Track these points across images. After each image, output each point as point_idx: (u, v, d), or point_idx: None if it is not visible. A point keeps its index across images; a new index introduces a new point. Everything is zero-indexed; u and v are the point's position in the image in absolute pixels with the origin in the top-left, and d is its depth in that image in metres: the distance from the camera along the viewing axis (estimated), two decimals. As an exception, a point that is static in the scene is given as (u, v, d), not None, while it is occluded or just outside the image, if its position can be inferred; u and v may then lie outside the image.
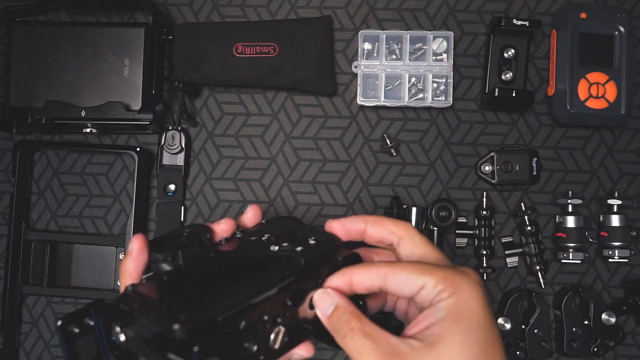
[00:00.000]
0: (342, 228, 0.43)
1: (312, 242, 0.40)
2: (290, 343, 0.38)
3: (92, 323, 0.36)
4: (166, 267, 0.40)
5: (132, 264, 0.40)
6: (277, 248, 0.40)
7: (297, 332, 0.38)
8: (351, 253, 0.41)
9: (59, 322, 0.35)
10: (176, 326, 0.32)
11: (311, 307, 0.39)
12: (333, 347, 0.41)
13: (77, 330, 0.36)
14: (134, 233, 0.69)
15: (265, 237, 0.42)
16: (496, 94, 0.67)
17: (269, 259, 0.40)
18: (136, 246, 0.40)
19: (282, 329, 0.37)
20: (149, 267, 0.41)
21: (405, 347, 0.35)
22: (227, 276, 0.39)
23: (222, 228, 0.44)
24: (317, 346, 0.41)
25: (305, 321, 0.39)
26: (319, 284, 0.39)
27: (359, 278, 0.39)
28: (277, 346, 0.36)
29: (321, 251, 0.40)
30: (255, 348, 0.35)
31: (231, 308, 0.34)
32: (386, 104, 0.70)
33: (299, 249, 0.39)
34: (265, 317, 0.36)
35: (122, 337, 0.36)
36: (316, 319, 0.39)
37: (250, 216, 0.46)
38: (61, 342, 0.36)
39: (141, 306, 0.35)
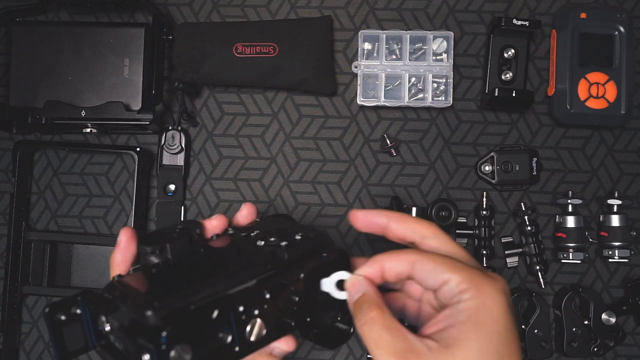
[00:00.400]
0: (365, 219, 0.43)
1: (298, 237, 0.40)
2: (268, 336, 0.37)
3: (79, 312, 0.37)
4: (154, 260, 0.41)
5: (119, 255, 0.41)
6: (263, 243, 0.41)
7: (277, 326, 0.38)
8: (339, 250, 0.41)
9: (46, 310, 0.36)
10: (148, 312, 0.32)
11: (341, 288, 0.39)
12: (321, 346, 0.41)
13: (63, 318, 0.37)
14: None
15: (254, 233, 0.43)
16: (496, 94, 0.67)
17: (253, 253, 0.40)
18: (124, 238, 0.41)
19: (259, 322, 0.37)
20: (138, 260, 0.42)
21: (422, 346, 0.35)
22: (210, 269, 0.39)
23: (214, 224, 0.45)
24: (317, 347, 0.41)
25: (287, 316, 0.39)
26: (301, 279, 0.39)
27: (390, 264, 0.39)
28: (253, 338, 0.36)
29: (307, 247, 0.40)
30: (229, 339, 0.35)
31: (206, 297, 0.34)
32: (386, 104, 0.70)
33: (283, 243, 0.39)
34: (241, 309, 0.36)
35: (107, 327, 0.37)
36: (299, 314, 0.39)
37: (245, 214, 0.47)
38: (48, 329, 0.36)
39: (122, 295, 0.36)
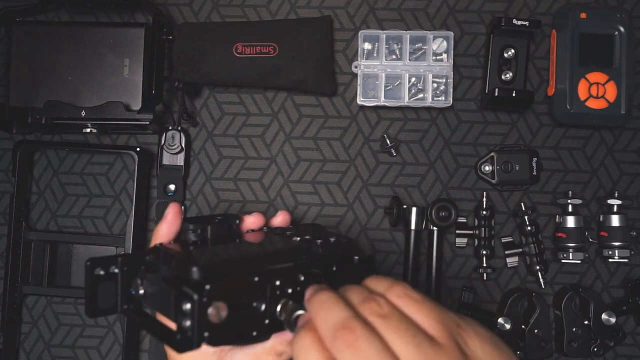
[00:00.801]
0: None
1: (332, 239, 0.42)
2: (293, 322, 0.38)
3: (116, 271, 0.39)
4: (194, 237, 0.43)
5: (165, 227, 0.44)
6: (298, 239, 0.43)
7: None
8: (368, 255, 0.42)
9: (88, 262, 0.38)
10: (194, 268, 0.34)
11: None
12: None
13: (102, 273, 0.39)
14: (134, 233, 0.69)
15: (289, 233, 0.45)
16: (496, 94, 0.67)
17: (289, 245, 0.42)
18: (172, 211, 0.45)
19: (290, 303, 0.37)
20: (179, 237, 0.45)
21: None
22: (249, 250, 0.42)
23: (252, 220, 0.48)
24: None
25: None
26: (333, 272, 0.40)
27: None
28: (282, 317, 0.37)
29: (340, 248, 0.41)
30: (263, 308, 0.37)
31: (247, 267, 0.36)
32: (386, 104, 0.70)
33: (318, 241, 0.41)
34: (277, 283, 0.37)
35: (142, 291, 0.39)
36: None
37: (280, 220, 0.50)
38: (85, 282, 0.38)
39: (165, 256, 0.38)
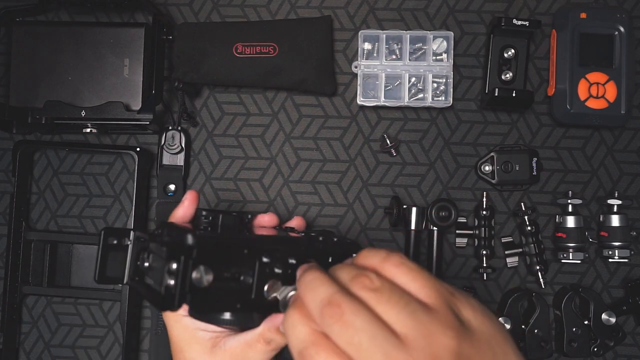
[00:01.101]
0: None
1: (335, 239, 0.42)
2: (279, 305, 0.39)
3: (128, 243, 0.42)
4: (205, 223, 0.46)
5: (181, 211, 0.48)
6: (302, 234, 0.44)
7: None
8: None
9: (102, 230, 0.42)
10: (189, 235, 0.36)
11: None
12: None
13: (115, 242, 0.42)
14: (134, 233, 0.69)
15: (297, 231, 0.48)
16: (496, 94, 0.67)
17: (292, 237, 0.44)
18: (189, 197, 0.48)
19: (279, 283, 0.38)
20: (192, 222, 0.48)
21: None
22: (249, 236, 0.45)
23: (266, 219, 0.50)
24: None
25: None
26: (329, 263, 0.41)
27: None
28: (269, 297, 0.38)
29: (341, 247, 0.42)
30: (250, 281, 0.37)
31: (240, 240, 0.38)
32: (386, 104, 0.70)
33: (321, 238, 0.42)
34: (266, 260, 0.38)
35: (146, 264, 0.40)
36: None
37: (294, 224, 0.52)
38: (98, 249, 0.42)
39: (170, 228, 0.39)
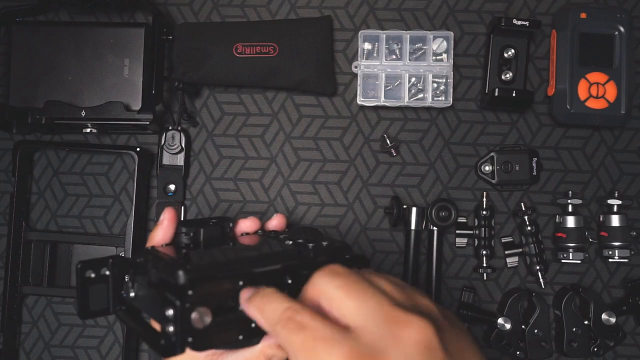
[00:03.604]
0: None
1: (324, 243, 0.41)
2: None
3: (107, 273, 0.39)
4: (186, 240, 0.44)
5: (161, 232, 0.45)
6: (291, 242, 0.43)
7: None
8: (360, 255, 0.42)
9: (79, 265, 0.39)
10: (180, 272, 0.34)
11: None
12: None
13: (92, 276, 0.39)
14: (134, 233, 0.69)
15: (283, 236, 0.45)
16: (496, 94, 0.67)
17: (281, 247, 0.42)
18: (167, 217, 0.45)
19: None
20: (173, 241, 0.45)
21: None
22: (238, 253, 0.43)
23: (247, 224, 0.48)
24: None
25: None
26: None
27: None
28: None
29: (332, 251, 0.41)
30: None
31: (233, 270, 0.36)
32: (386, 104, 0.70)
33: (310, 245, 0.41)
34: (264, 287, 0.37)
35: (132, 294, 0.39)
36: None
37: (275, 223, 0.50)
38: (76, 284, 0.39)
39: (154, 259, 0.38)
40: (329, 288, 0.33)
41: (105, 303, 0.40)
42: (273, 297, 0.34)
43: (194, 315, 0.33)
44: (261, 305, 0.35)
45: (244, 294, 0.36)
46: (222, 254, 0.41)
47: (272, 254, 0.40)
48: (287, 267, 0.38)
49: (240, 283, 0.36)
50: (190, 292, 0.33)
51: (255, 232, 0.49)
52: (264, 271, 0.37)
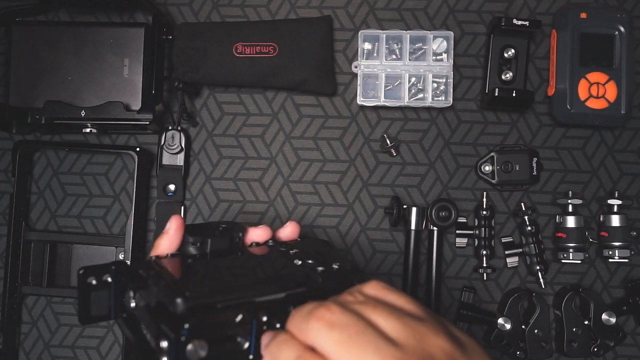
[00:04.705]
0: None
1: (335, 266, 0.40)
2: None
3: (109, 280, 0.39)
4: (193, 251, 0.42)
5: (167, 242, 0.43)
6: (300, 262, 0.41)
7: None
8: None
9: (81, 271, 0.38)
10: (178, 300, 0.33)
11: None
12: None
13: (94, 282, 0.38)
14: (133, 233, 0.69)
15: (293, 252, 0.43)
16: (496, 94, 0.67)
17: (288, 269, 0.40)
18: (174, 226, 0.43)
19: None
20: (179, 248, 0.43)
21: None
22: (243, 273, 0.41)
23: (258, 233, 0.46)
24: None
25: None
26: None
27: None
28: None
29: (341, 277, 0.40)
30: (246, 345, 0.36)
31: (234, 299, 0.35)
32: (386, 104, 0.70)
33: (320, 268, 0.39)
34: (265, 318, 0.36)
35: (133, 304, 0.38)
36: None
37: (288, 232, 0.48)
38: (78, 290, 0.38)
39: (156, 275, 0.37)
40: (327, 343, 0.31)
41: (106, 309, 0.39)
42: (287, 345, 0.33)
43: (189, 347, 0.32)
44: (276, 352, 0.34)
45: (264, 340, 0.35)
46: (226, 276, 0.40)
47: (279, 278, 0.39)
48: (291, 297, 0.37)
49: (239, 317, 0.35)
50: (186, 326, 0.32)
51: (266, 242, 0.46)
52: (265, 301, 0.36)
